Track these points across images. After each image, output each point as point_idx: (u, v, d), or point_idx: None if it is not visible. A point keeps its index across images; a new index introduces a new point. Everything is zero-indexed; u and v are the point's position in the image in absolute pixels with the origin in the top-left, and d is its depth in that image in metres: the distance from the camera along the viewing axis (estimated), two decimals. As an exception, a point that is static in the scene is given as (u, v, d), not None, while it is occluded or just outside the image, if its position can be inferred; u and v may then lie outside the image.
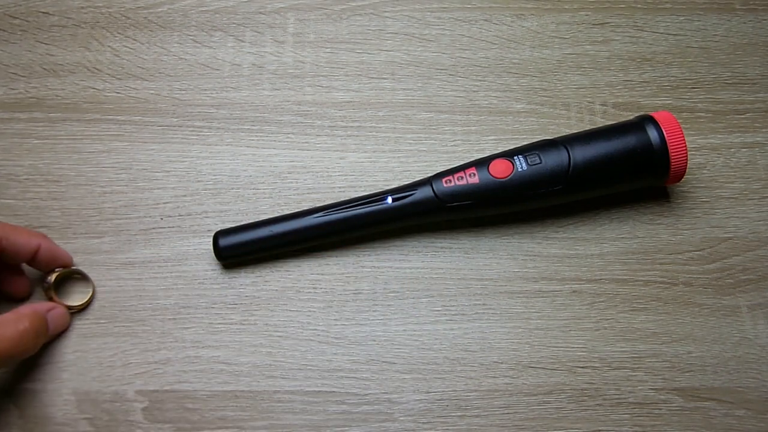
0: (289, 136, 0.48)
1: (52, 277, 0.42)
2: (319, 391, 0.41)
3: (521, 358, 0.42)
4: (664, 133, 0.42)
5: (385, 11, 0.52)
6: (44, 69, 0.50)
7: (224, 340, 0.42)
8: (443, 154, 0.48)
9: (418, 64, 0.51)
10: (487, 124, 0.49)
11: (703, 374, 0.42)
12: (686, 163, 0.43)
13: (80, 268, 0.44)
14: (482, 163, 0.43)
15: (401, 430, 0.41)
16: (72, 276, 0.44)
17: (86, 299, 0.43)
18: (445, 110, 0.49)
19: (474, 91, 0.50)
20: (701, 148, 0.48)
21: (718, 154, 0.48)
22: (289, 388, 0.41)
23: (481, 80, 0.50)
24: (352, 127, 0.49)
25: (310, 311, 0.43)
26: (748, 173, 0.48)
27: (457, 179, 0.43)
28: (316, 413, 0.41)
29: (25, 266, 0.43)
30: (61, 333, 0.42)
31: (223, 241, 0.43)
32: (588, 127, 0.46)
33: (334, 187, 0.47)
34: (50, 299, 0.42)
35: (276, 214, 0.45)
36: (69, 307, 0.42)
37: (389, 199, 0.43)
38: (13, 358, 0.37)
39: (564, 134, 0.45)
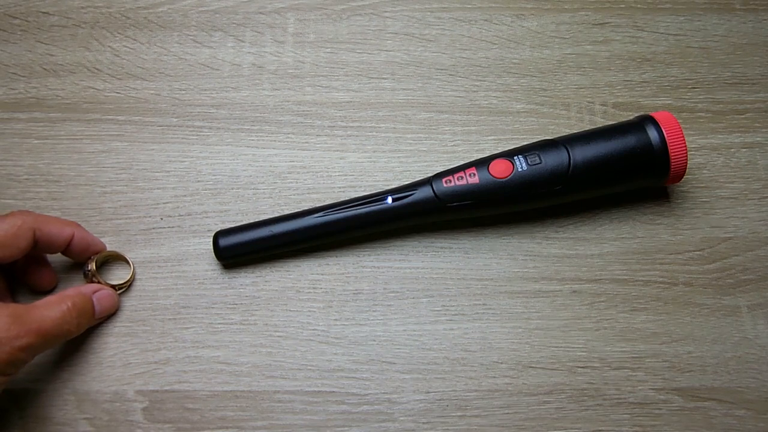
0: (289, 136, 0.48)
1: (92, 264, 0.42)
2: (319, 391, 0.41)
3: (521, 358, 0.42)
4: (664, 133, 0.42)
5: (385, 11, 0.52)
6: (44, 69, 0.50)
7: (224, 340, 0.42)
8: (443, 154, 0.48)
9: (418, 64, 0.51)
10: (487, 124, 0.49)
11: (703, 374, 0.42)
12: (686, 163, 0.43)
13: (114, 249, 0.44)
14: (482, 163, 0.43)
15: (401, 430, 0.41)
16: (108, 259, 0.44)
17: (129, 276, 0.43)
18: (445, 110, 0.49)
19: (474, 91, 0.50)
20: (701, 148, 0.48)
21: (718, 154, 0.48)
22: (289, 388, 0.41)
23: (481, 80, 0.50)
24: (352, 127, 0.49)
25: (310, 311, 0.43)
26: (748, 173, 0.48)
27: (457, 179, 0.43)
28: (316, 413, 0.41)
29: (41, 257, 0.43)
30: (112, 314, 0.42)
31: (223, 241, 0.43)
32: (588, 127, 0.46)
33: (334, 187, 0.47)
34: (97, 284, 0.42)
35: (276, 214, 0.45)
36: (115, 287, 0.42)
37: (389, 199, 0.43)
38: (57, 338, 0.37)
39: (564, 134, 0.45)
